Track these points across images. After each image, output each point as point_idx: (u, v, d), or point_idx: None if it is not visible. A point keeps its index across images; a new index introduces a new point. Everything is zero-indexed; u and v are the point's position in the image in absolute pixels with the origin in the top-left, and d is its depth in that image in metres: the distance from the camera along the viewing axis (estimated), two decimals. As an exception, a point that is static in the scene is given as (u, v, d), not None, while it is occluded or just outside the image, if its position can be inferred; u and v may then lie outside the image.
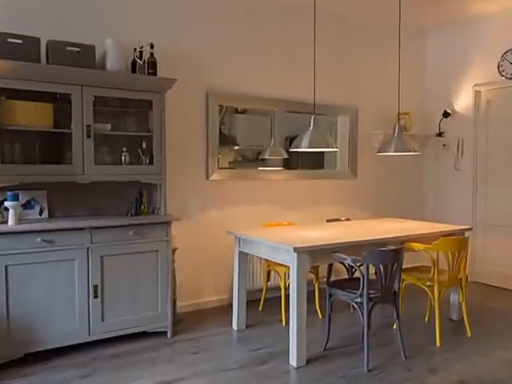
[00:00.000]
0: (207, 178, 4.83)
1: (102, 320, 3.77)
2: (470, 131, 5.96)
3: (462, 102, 6.03)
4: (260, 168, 5.34)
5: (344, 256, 3.51)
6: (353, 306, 3.66)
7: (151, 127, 4.03)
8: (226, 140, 5.13)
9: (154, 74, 4.08)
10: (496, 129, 5.74)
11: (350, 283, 3.71)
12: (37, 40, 3.59)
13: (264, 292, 4.77)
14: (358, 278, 3.47)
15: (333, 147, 4.05)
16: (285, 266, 3.99)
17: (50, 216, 3.94)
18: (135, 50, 4.09)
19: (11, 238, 3.41)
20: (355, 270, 4.13)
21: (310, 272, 4.28)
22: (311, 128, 4.04)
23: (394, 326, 4.17)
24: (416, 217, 5.72)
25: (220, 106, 4.92)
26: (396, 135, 4.42)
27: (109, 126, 3.94)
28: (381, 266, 3.40)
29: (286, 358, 3.58)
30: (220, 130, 4.93)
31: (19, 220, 3.58)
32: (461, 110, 6.05)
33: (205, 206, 4.85)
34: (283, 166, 5.52)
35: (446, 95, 6.19)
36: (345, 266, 4.61)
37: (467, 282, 4.79)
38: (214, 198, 4.90)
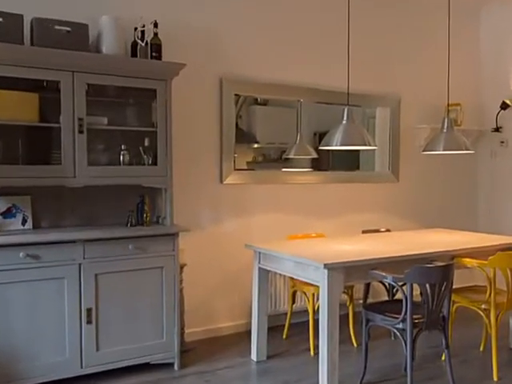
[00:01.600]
0: (221, 181, 4.82)
1: (97, 350, 3.72)
2: (533, 125, 5.92)
3: (524, 91, 5.99)
4: (284, 169, 5.35)
5: (383, 274, 3.48)
6: (394, 333, 3.83)
7: (155, 121, 4.02)
8: (243, 136, 5.11)
9: (159, 57, 4.05)
10: None
11: (391, 306, 3.70)
12: (19, 17, 3.55)
13: (288, 316, 4.73)
14: (400, 300, 3.44)
15: (370, 145, 4.04)
16: (313, 285, 3.96)
17: (35, 226, 3.87)
18: (136, 29, 4.05)
19: (-12, 252, 3.39)
20: (397, 290, 4.17)
21: (343, 293, 4.31)
22: (345, 122, 4.01)
23: (443, 357, 4.09)
24: (468, 227, 5.58)
25: (236, 95, 4.91)
26: (445, 130, 4.42)
27: (105, 120, 3.91)
28: (427, 286, 3.36)
29: (315, 394, 3.55)
30: (236, 124, 4.94)
31: (-2, 231, 3.55)
32: (522, 100, 6.00)
33: (218, 215, 4.82)
34: (311, 167, 5.49)
35: (505, 83, 6.11)
36: (384, 285, 4.59)
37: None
38: (230, 205, 4.87)
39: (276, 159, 5.36)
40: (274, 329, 4.60)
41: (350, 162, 5.77)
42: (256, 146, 5.30)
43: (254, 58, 4.91)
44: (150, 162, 4.00)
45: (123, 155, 3.97)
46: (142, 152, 4.02)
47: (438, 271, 3.38)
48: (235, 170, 4.89)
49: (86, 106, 3.67)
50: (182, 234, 4.04)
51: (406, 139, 5.86)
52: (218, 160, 4.77)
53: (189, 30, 4.54)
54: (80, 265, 3.62)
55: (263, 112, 5.30)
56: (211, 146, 4.74)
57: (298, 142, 5.19)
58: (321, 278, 3.40)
